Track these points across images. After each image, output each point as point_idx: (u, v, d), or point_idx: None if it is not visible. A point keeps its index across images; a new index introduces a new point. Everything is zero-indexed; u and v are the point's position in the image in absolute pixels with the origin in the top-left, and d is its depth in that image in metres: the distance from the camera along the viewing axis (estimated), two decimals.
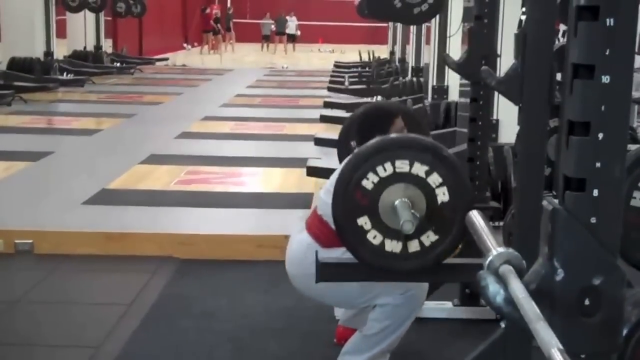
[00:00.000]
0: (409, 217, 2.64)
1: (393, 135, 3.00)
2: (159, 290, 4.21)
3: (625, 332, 2.06)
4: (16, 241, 4.78)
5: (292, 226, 4.95)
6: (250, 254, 4.74)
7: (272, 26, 29.31)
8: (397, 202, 2.69)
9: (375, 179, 2.71)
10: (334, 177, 2.91)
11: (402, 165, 2.71)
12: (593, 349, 1.49)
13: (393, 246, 2.76)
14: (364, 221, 2.74)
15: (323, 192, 3.06)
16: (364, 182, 2.72)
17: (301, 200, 5.65)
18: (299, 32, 29.77)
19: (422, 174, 2.71)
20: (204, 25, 28.24)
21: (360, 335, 3.10)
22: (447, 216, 2.74)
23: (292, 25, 29.65)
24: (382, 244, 2.75)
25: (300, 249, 3.10)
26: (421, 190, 2.72)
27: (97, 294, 4.25)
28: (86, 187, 6.10)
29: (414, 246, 2.76)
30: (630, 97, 1.44)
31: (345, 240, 2.81)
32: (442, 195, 2.73)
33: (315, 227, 3.08)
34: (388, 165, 2.71)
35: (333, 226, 2.89)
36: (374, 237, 2.75)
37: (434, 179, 2.72)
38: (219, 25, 27.78)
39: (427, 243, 2.76)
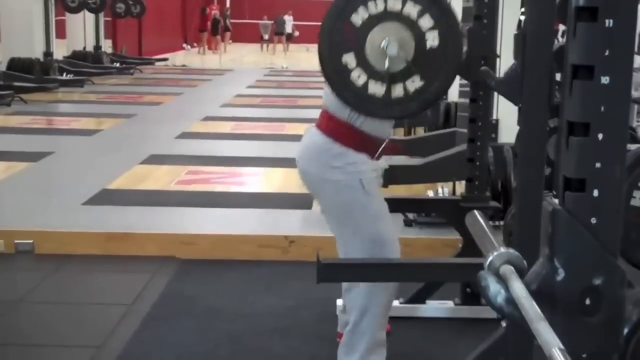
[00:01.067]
0: (395, 55, 2.58)
1: None
2: (160, 290, 4.22)
3: (626, 331, 2.06)
4: (17, 241, 4.79)
5: (294, 226, 4.98)
6: (251, 254, 4.75)
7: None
8: (385, 41, 2.60)
9: (365, 15, 2.62)
10: None
11: (394, 3, 2.62)
12: (594, 348, 1.50)
13: (376, 89, 2.66)
14: (349, 58, 2.65)
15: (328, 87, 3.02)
16: (353, 17, 2.62)
17: (302, 201, 5.64)
18: (297, 33, 29.75)
19: (414, 15, 2.62)
20: (201, 25, 28.25)
21: (346, 331, 3.10)
22: (434, 62, 2.65)
23: (288, 24, 29.68)
24: (366, 85, 2.66)
25: (315, 144, 3.01)
26: (411, 32, 2.62)
27: (98, 294, 4.26)
28: (86, 187, 6.10)
29: (397, 90, 2.67)
30: (629, 97, 1.45)
31: (328, 78, 2.71)
32: (432, 40, 2.63)
33: (324, 124, 3.01)
34: (380, 1, 2.61)
35: (339, 118, 2.86)
36: (358, 76, 2.66)
37: (426, 22, 2.63)
38: (220, 24, 27.78)
39: (411, 89, 2.67)
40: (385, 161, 3.22)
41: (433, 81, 2.68)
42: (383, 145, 3.03)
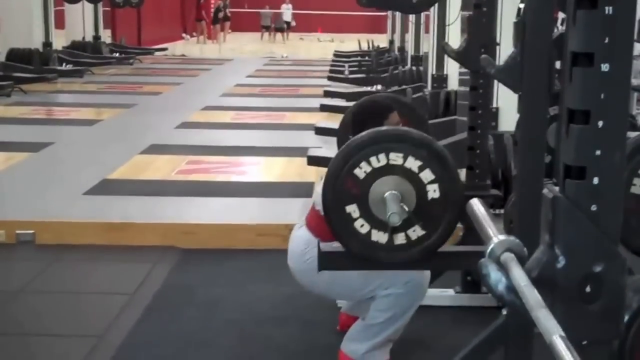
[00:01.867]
0: (396, 209, 2.67)
1: (389, 127, 3.01)
2: (161, 279, 4.23)
3: (627, 318, 2.07)
4: (18, 232, 4.79)
5: (294, 215, 4.99)
6: (251, 243, 4.76)
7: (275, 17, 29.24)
8: (387, 194, 2.71)
9: (368, 169, 2.73)
10: None
11: (396, 158, 2.72)
12: (594, 335, 1.50)
13: (379, 237, 2.78)
14: (352, 209, 2.76)
15: (319, 186, 3.08)
16: (356, 171, 2.74)
17: (302, 190, 5.66)
18: (294, 23, 29.74)
19: (415, 169, 2.73)
20: (197, 14, 28.19)
21: (363, 323, 3.11)
22: (435, 213, 2.77)
23: (287, 13, 29.64)
24: (369, 233, 2.78)
25: (300, 244, 3.13)
26: (412, 185, 2.74)
27: (99, 283, 4.27)
28: (87, 177, 6.10)
29: (400, 239, 2.78)
30: (629, 84, 1.45)
31: (332, 227, 2.82)
32: (433, 192, 2.75)
33: (314, 222, 3.12)
34: (382, 157, 2.73)
35: None
36: (361, 225, 2.77)
37: (426, 175, 2.74)
38: (220, 13, 27.73)
39: (413, 237, 2.79)
40: None
41: (434, 230, 2.79)
42: None
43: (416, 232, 2.78)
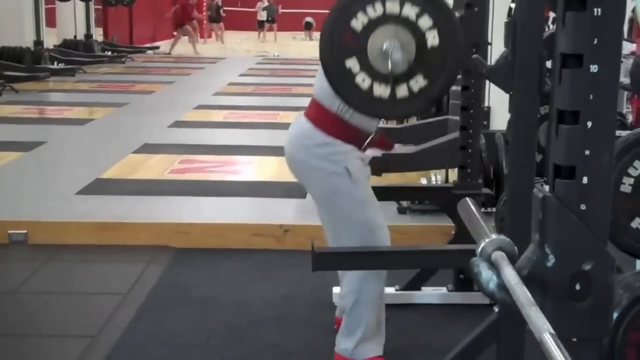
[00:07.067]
0: (398, 52, 2.60)
1: None
2: (154, 279, 4.24)
3: (616, 316, 2.09)
4: (10, 231, 4.79)
5: (288, 215, 5.02)
6: (245, 243, 4.76)
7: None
8: (385, 44, 2.63)
9: (365, 20, 2.64)
10: None
11: (393, 6, 2.64)
12: (584, 332, 1.52)
13: (381, 91, 2.69)
14: (352, 63, 2.67)
15: (318, 75, 3.04)
16: (353, 22, 2.65)
17: (296, 189, 5.65)
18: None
19: (413, 16, 2.64)
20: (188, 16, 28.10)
21: (344, 316, 3.14)
22: (436, 61, 2.69)
23: (262, 13, 29.63)
24: (371, 87, 2.69)
25: (302, 132, 3.07)
26: (411, 33, 2.65)
27: (92, 283, 4.28)
28: (80, 177, 6.10)
29: (402, 91, 2.70)
30: (617, 85, 1.46)
31: (333, 84, 2.74)
32: (432, 39, 2.67)
33: (312, 111, 3.07)
34: (378, 6, 2.64)
35: (328, 108, 2.92)
36: (363, 80, 2.68)
37: (425, 22, 2.65)
38: (220, 13, 27.69)
39: (415, 88, 2.71)
40: (374, 151, 3.26)
41: (436, 79, 2.72)
42: (370, 139, 3.08)
43: (418, 82, 2.70)
